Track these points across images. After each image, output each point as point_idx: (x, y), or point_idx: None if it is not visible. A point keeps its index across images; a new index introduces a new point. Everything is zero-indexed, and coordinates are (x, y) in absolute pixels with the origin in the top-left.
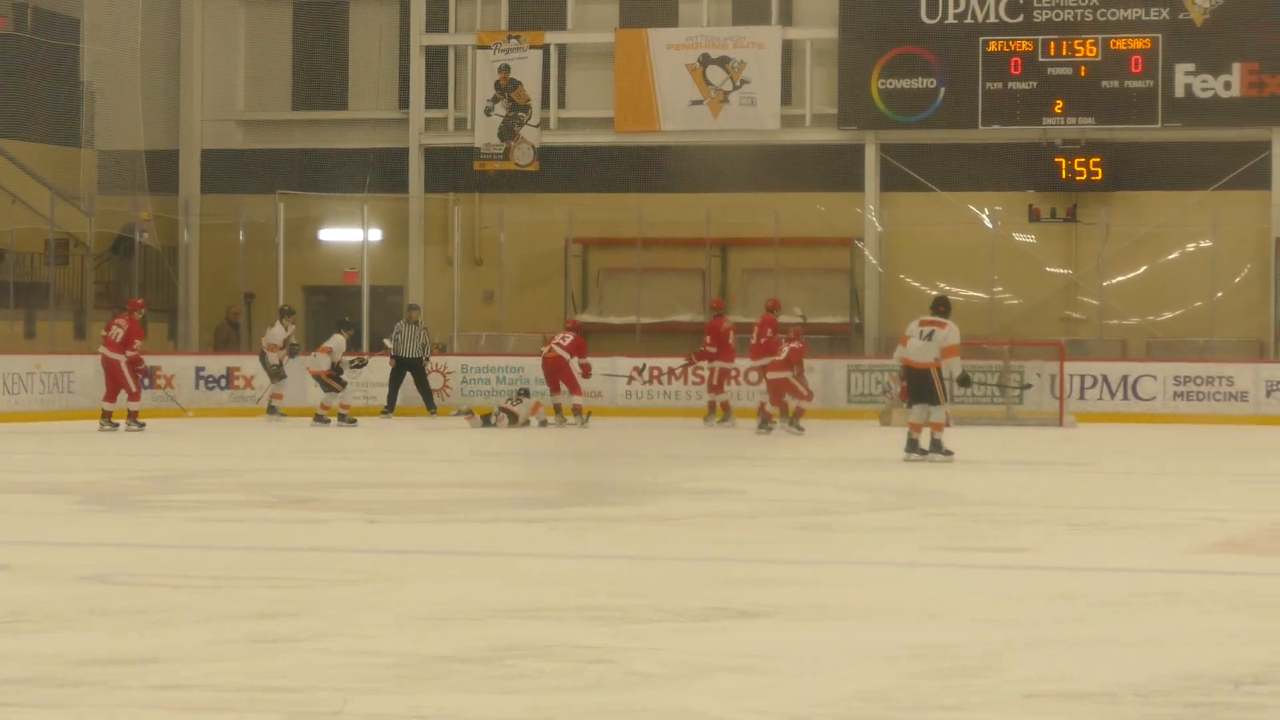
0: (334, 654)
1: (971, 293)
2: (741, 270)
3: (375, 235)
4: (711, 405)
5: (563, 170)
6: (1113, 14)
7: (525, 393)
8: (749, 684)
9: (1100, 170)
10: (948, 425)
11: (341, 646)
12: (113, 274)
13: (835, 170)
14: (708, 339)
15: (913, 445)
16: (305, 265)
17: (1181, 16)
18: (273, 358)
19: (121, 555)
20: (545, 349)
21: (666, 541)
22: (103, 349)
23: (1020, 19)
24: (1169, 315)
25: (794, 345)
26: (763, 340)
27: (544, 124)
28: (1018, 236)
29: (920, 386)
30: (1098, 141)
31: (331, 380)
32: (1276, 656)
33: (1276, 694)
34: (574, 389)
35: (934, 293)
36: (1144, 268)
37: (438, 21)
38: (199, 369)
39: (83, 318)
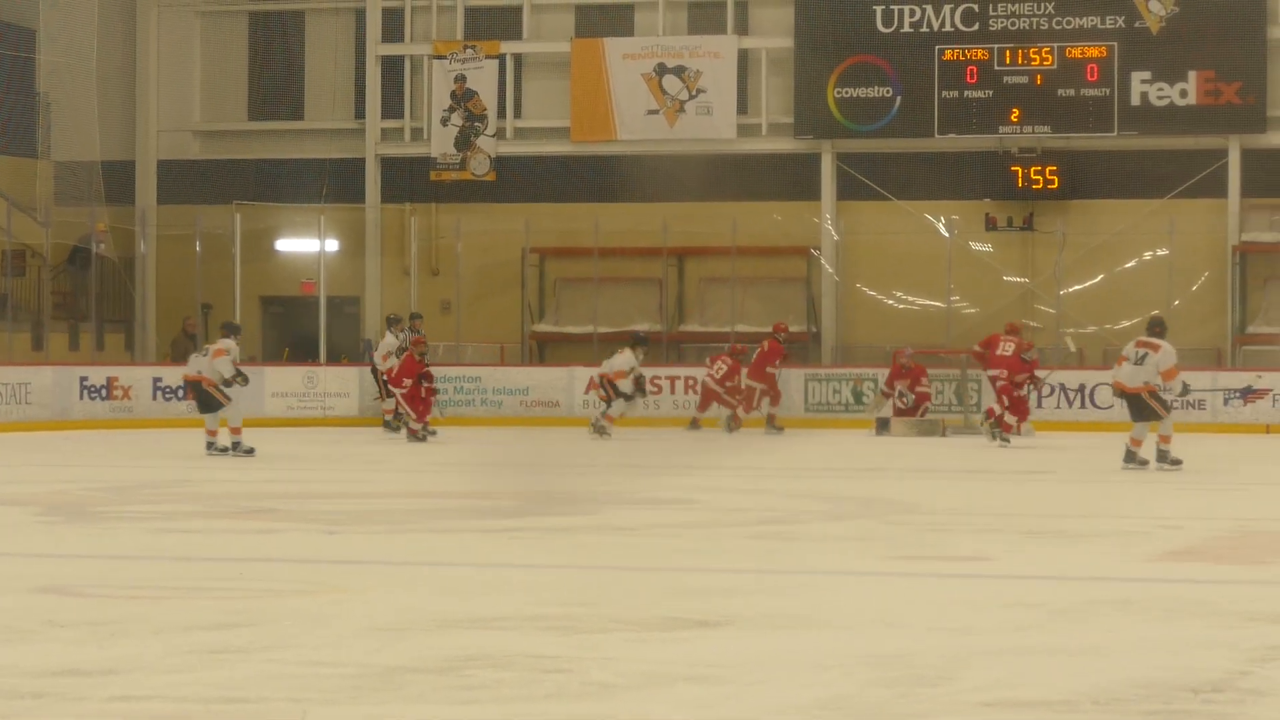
0: (292, 665)
1: (928, 302)
2: (698, 279)
3: (332, 246)
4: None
5: (519, 180)
6: (1069, 22)
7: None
8: (707, 693)
9: (1057, 179)
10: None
11: (299, 657)
12: (69, 285)
13: (792, 179)
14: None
15: (1131, 457)
16: (262, 276)
17: (1137, 25)
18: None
19: (79, 566)
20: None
21: (624, 551)
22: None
23: (976, 27)
24: (1126, 324)
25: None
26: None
27: (500, 134)
28: (974, 245)
29: (1136, 409)
30: (1054, 150)
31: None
32: (1234, 664)
33: (1235, 701)
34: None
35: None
36: (1101, 276)
37: (393, 32)
38: (156, 380)
39: (40, 329)
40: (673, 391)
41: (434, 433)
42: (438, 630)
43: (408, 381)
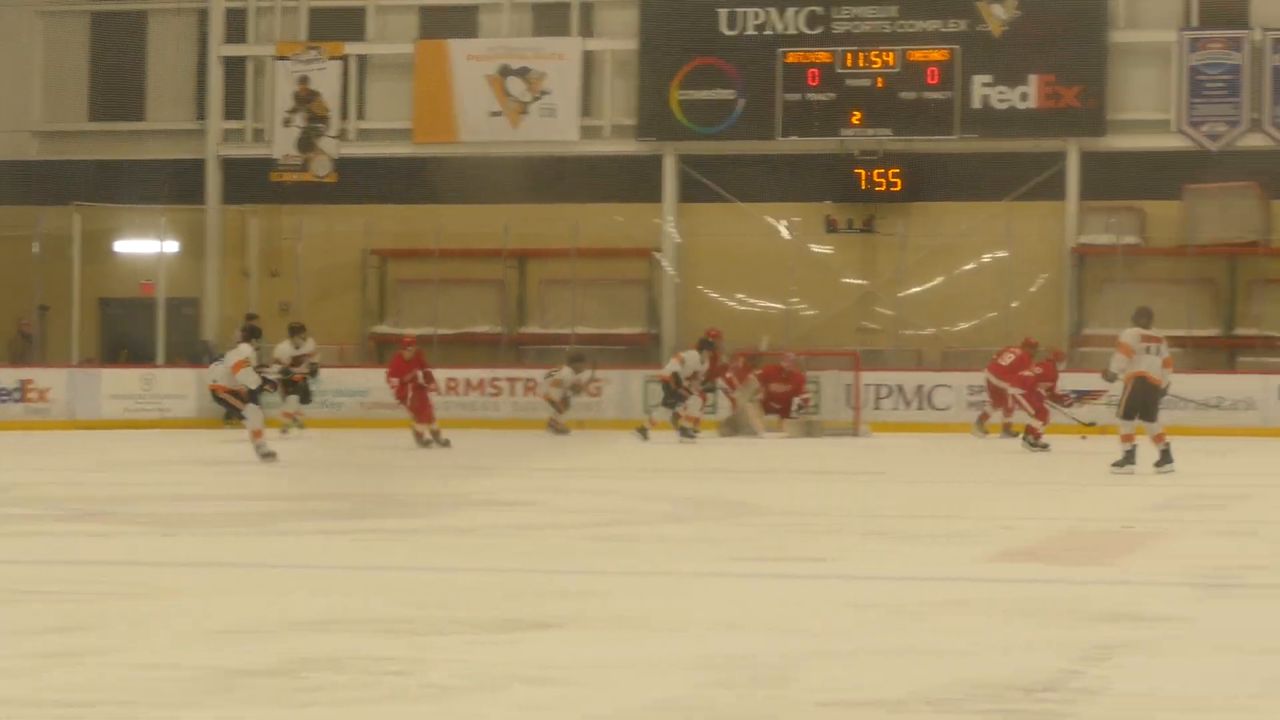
0: (126, 668)
1: (769, 303)
2: (539, 281)
3: (172, 247)
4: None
5: (361, 181)
6: (911, 25)
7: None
8: (545, 695)
9: (898, 181)
10: None
11: (133, 660)
12: None
13: (634, 181)
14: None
15: (1129, 457)
16: (101, 277)
17: (979, 28)
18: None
19: None
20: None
21: (463, 553)
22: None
23: (819, 30)
24: (964, 325)
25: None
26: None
27: (343, 135)
28: (815, 247)
29: (1153, 401)
30: (895, 152)
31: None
32: (1067, 664)
33: (1067, 701)
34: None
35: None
36: (940, 278)
37: (236, 32)
38: None
39: None
40: (512, 394)
41: (446, 442)
42: (274, 633)
43: (395, 381)
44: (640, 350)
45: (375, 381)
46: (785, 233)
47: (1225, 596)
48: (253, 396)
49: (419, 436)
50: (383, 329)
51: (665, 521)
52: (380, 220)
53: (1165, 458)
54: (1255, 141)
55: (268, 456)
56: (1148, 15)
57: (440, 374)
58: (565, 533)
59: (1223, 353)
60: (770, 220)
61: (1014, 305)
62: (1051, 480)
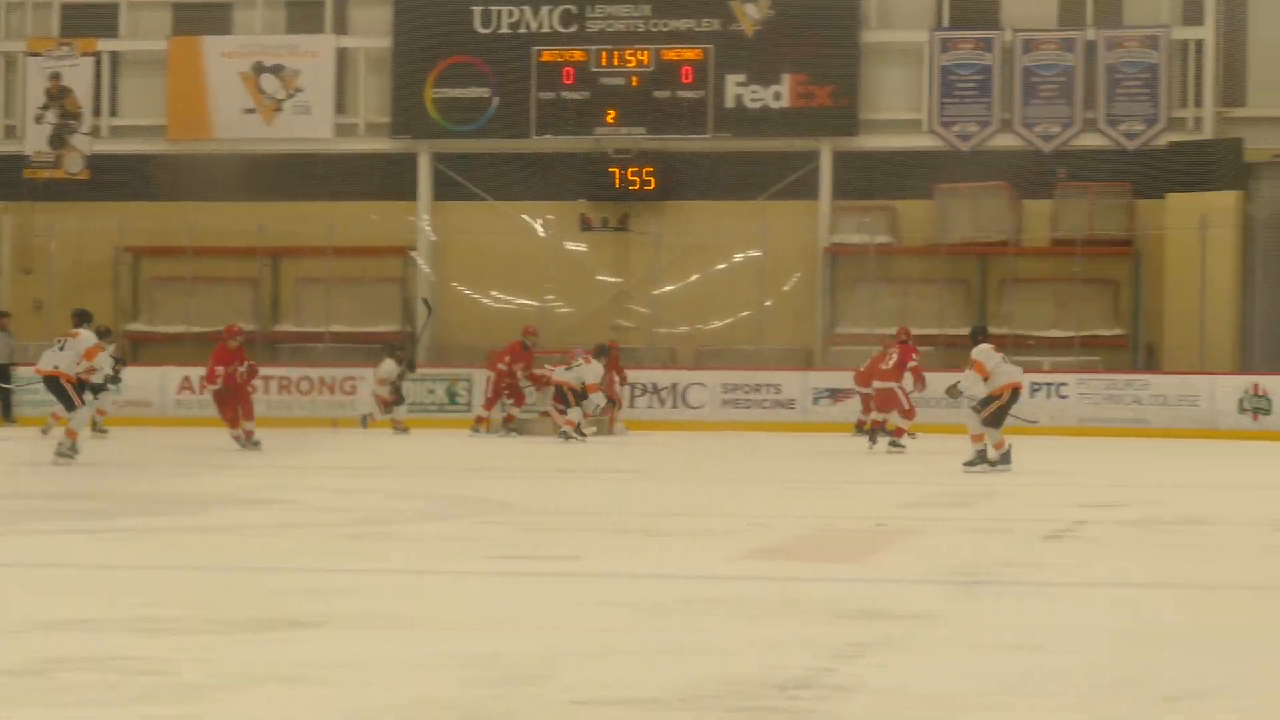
0: None
1: (524, 301)
2: (294, 279)
3: None
4: None
5: (114, 179)
6: (665, 25)
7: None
8: (300, 694)
9: (652, 180)
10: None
11: None
12: None
13: (389, 179)
14: None
15: (981, 456)
16: None
17: (733, 28)
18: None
19: None
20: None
21: (219, 551)
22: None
23: (574, 29)
24: (718, 324)
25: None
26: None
27: (95, 132)
28: (570, 245)
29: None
30: (650, 151)
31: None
32: (819, 661)
33: (820, 698)
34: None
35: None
36: (694, 277)
37: None
38: None
39: None
40: (266, 392)
41: (257, 443)
42: (24, 632)
43: (220, 370)
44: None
45: (128, 380)
46: (540, 231)
47: (975, 594)
48: (95, 387)
49: (246, 435)
50: (137, 327)
51: (421, 520)
52: (134, 217)
53: (980, 458)
54: (1006, 141)
55: (67, 456)
56: (899, 16)
57: (193, 371)
58: (321, 531)
59: None
60: (525, 218)
61: (767, 304)
62: (805, 478)
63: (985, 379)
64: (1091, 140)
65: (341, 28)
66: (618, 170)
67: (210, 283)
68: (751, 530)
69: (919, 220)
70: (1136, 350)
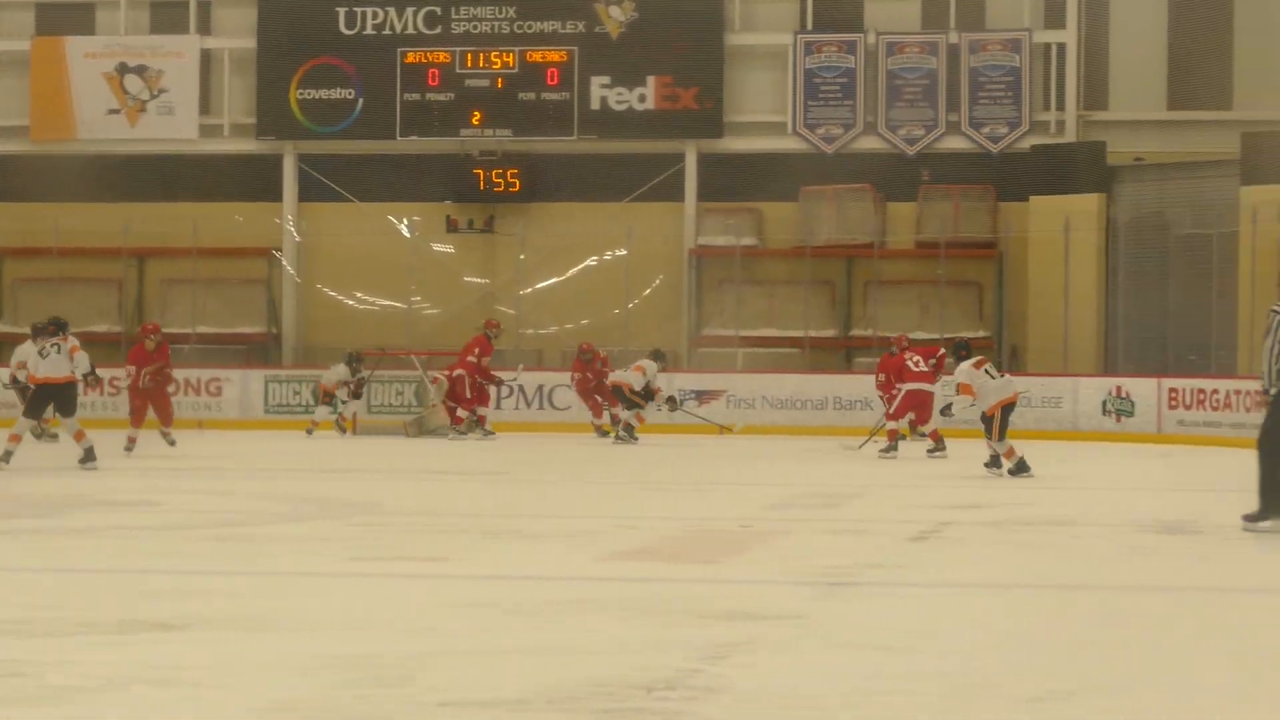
0: None
1: (390, 302)
2: (159, 280)
3: None
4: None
5: None
6: (530, 26)
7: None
8: (165, 696)
9: (518, 181)
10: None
11: None
12: None
13: (254, 180)
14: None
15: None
16: None
17: (597, 30)
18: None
19: None
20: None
21: (83, 554)
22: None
23: (438, 30)
24: (585, 324)
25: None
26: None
27: None
28: (436, 247)
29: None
30: (515, 153)
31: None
32: (686, 662)
33: (688, 699)
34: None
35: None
36: (560, 278)
37: None
38: None
39: None
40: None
41: (173, 442)
42: None
43: (133, 369)
44: (260, 349)
45: None
46: (406, 232)
47: (838, 594)
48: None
49: (167, 436)
50: (1, 328)
51: (286, 521)
52: None
53: (995, 462)
54: (870, 144)
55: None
56: (764, 19)
57: None
58: (185, 533)
59: (840, 353)
60: (391, 219)
61: (632, 305)
62: (672, 480)
63: (973, 400)
64: (955, 143)
65: (206, 28)
66: (483, 172)
67: (75, 284)
68: (618, 532)
69: (784, 222)
70: (1001, 352)
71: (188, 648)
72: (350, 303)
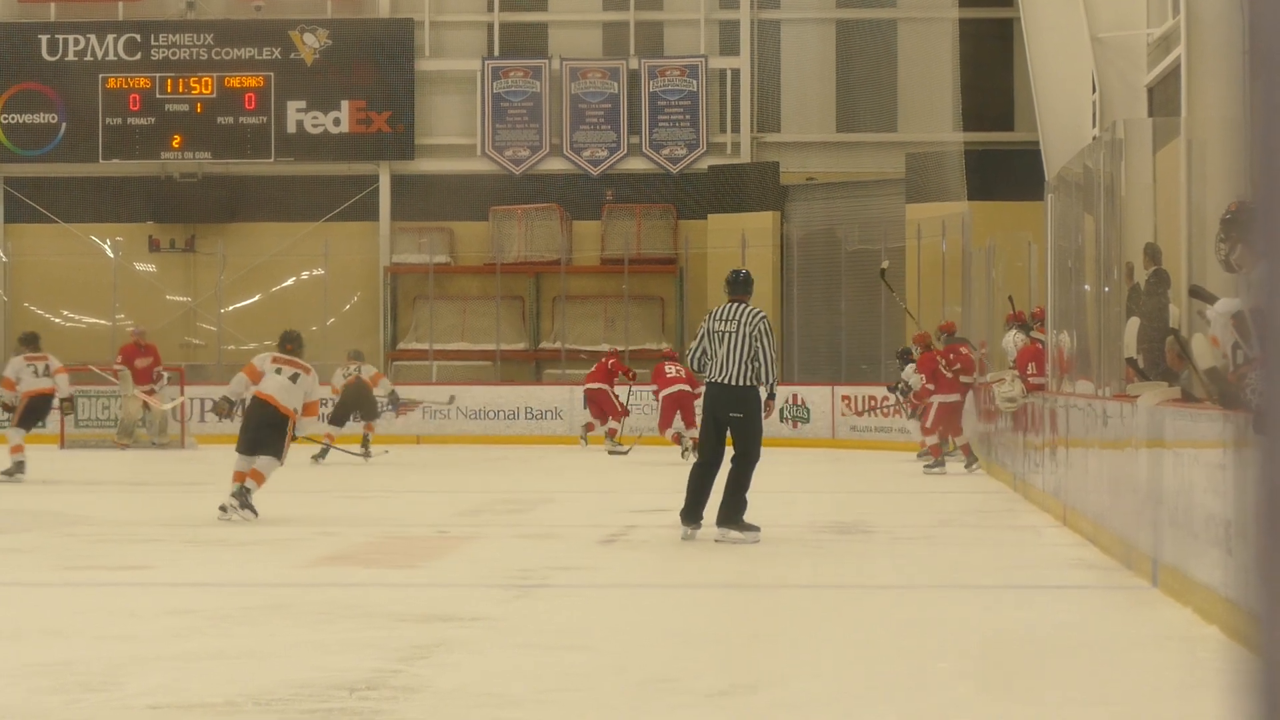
0: None
1: (95, 320)
2: None
3: None
4: None
5: None
6: (228, 53)
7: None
8: None
9: (218, 203)
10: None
11: None
12: None
13: None
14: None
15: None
16: None
17: (293, 56)
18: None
19: None
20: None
21: None
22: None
23: (139, 57)
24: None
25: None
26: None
27: None
28: (139, 266)
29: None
30: (215, 175)
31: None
32: (386, 663)
33: (388, 699)
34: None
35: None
36: (260, 295)
37: None
38: None
39: None
40: None
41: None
42: None
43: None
44: None
45: None
46: (109, 252)
47: (529, 596)
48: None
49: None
50: None
51: None
52: None
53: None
54: (556, 165)
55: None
56: (453, 45)
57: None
58: None
59: (530, 365)
60: (95, 240)
61: (331, 321)
62: (368, 487)
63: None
64: (637, 164)
65: None
66: (184, 193)
67: None
68: (318, 538)
69: (475, 240)
70: (683, 364)
71: None
72: (57, 320)
